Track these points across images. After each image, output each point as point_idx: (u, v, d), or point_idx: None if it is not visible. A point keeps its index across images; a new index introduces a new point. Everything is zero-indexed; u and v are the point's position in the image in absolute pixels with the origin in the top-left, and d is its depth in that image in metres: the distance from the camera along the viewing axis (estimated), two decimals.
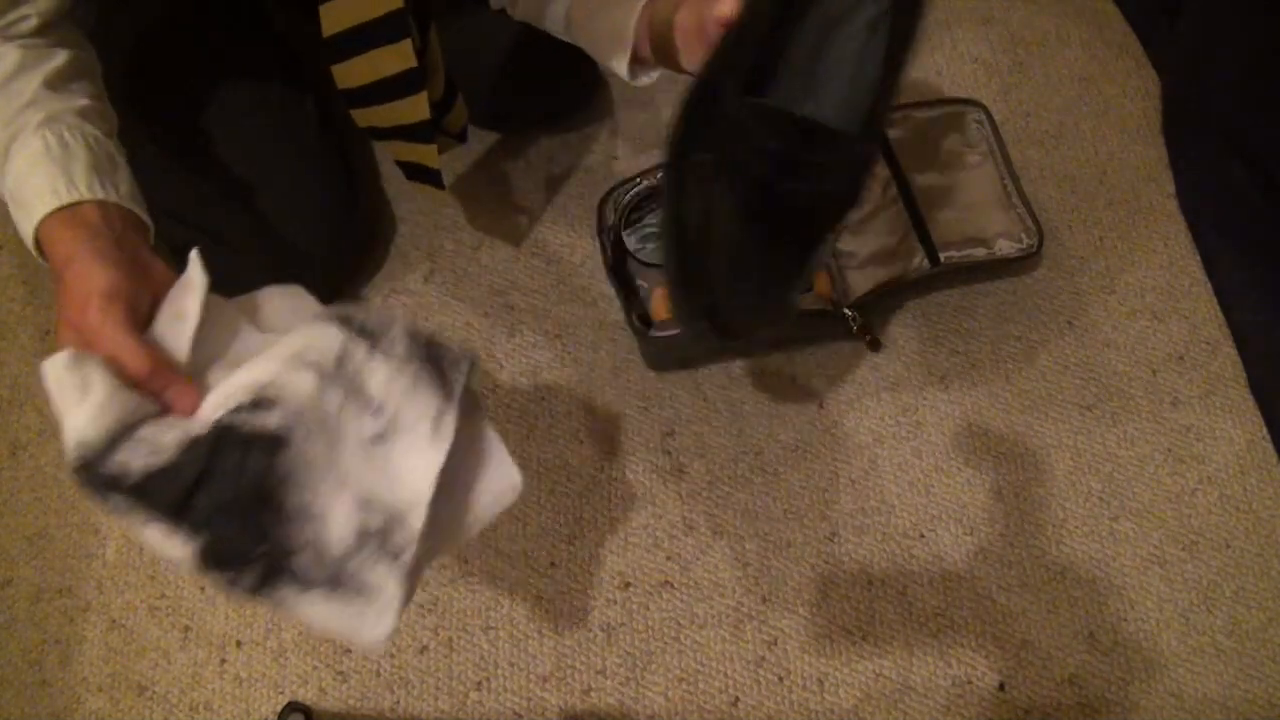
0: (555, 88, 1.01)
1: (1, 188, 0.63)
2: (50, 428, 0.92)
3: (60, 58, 0.64)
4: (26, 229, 0.60)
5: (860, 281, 0.90)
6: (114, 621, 0.85)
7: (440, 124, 0.84)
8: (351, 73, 0.74)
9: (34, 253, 0.60)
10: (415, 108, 0.76)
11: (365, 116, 0.78)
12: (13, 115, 0.62)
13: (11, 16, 0.62)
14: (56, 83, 0.64)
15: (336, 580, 0.50)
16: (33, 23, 0.63)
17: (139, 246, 0.60)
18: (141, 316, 0.55)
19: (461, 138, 0.88)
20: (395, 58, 0.72)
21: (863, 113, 0.54)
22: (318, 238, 0.89)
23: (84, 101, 0.64)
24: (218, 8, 0.88)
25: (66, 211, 0.59)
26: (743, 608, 0.84)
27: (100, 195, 0.60)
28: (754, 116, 0.51)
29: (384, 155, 1.02)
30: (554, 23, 0.76)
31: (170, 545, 0.47)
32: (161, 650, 0.84)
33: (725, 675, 0.82)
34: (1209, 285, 0.96)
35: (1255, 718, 0.80)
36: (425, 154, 0.82)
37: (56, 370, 0.49)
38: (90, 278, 0.54)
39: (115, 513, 0.47)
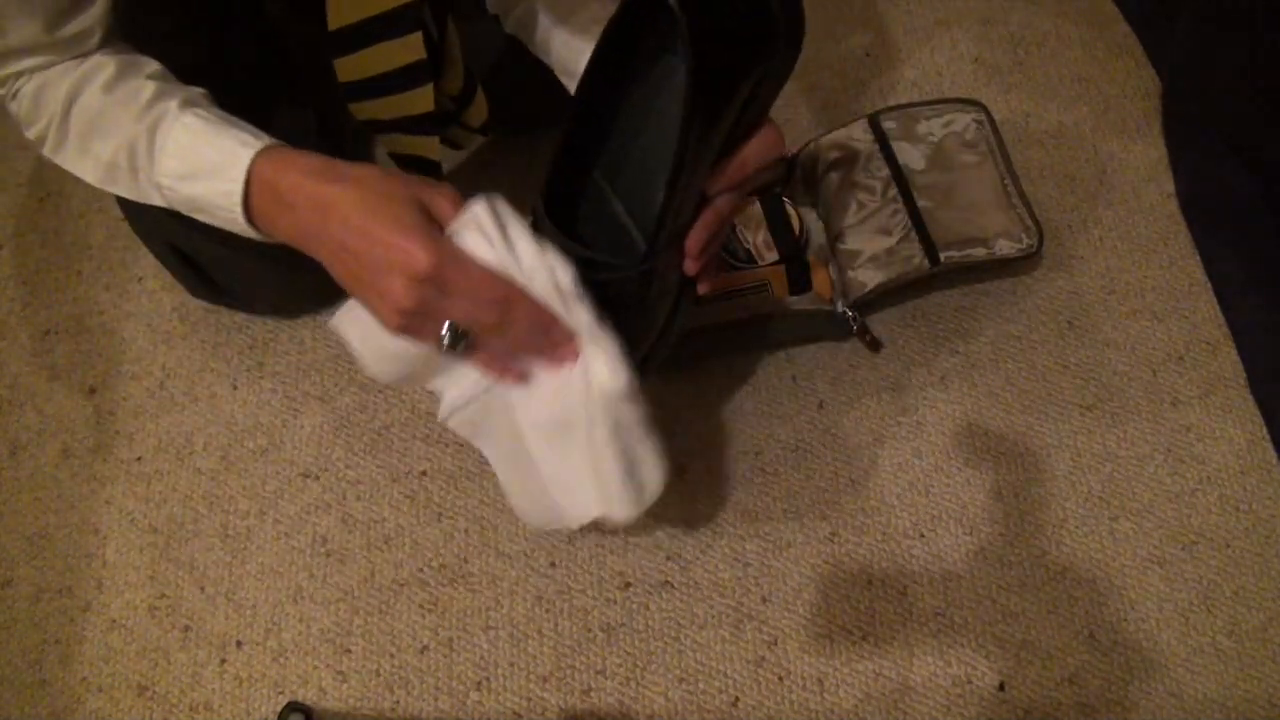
0: (546, 93, 1.00)
1: (154, 177, 0.63)
2: (50, 428, 0.92)
3: (152, 63, 0.66)
4: (222, 186, 0.60)
5: (860, 281, 0.90)
6: (114, 621, 0.85)
7: (459, 118, 0.84)
8: (354, 66, 0.73)
9: (238, 208, 0.60)
10: (420, 100, 0.76)
11: (365, 110, 0.78)
12: (143, 109, 0.62)
13: (74, 27, 0.62)
14: (162, 78, 0.65)
15: None
16: (97, 38, 0.64)
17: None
18: None
19: (484, 132, 0.88)
20: (403, 51, 0.72)
21: (652, 224, 0.60)
22: None
23: (199, 90, 0.66)
24: (215, 10, 0.88)
25: (275, 151, 0.60)
26: (743, 608, 0.84)
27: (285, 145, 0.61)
28: (552, 237, 0.60)
29: (384, 160, 1.02)
30: (540, 50, 0.77)
31: None
32: (161, 650, 0.84)
33: (725, 675, 0.82)
34: (1209, 285, 0.96)
35: (1255, 718, 0.80)
36: (425, 146, 0.82)
37: (483, 211, 0.57)
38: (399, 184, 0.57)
39: None
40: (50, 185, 1.05)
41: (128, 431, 0.92)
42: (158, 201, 0.65)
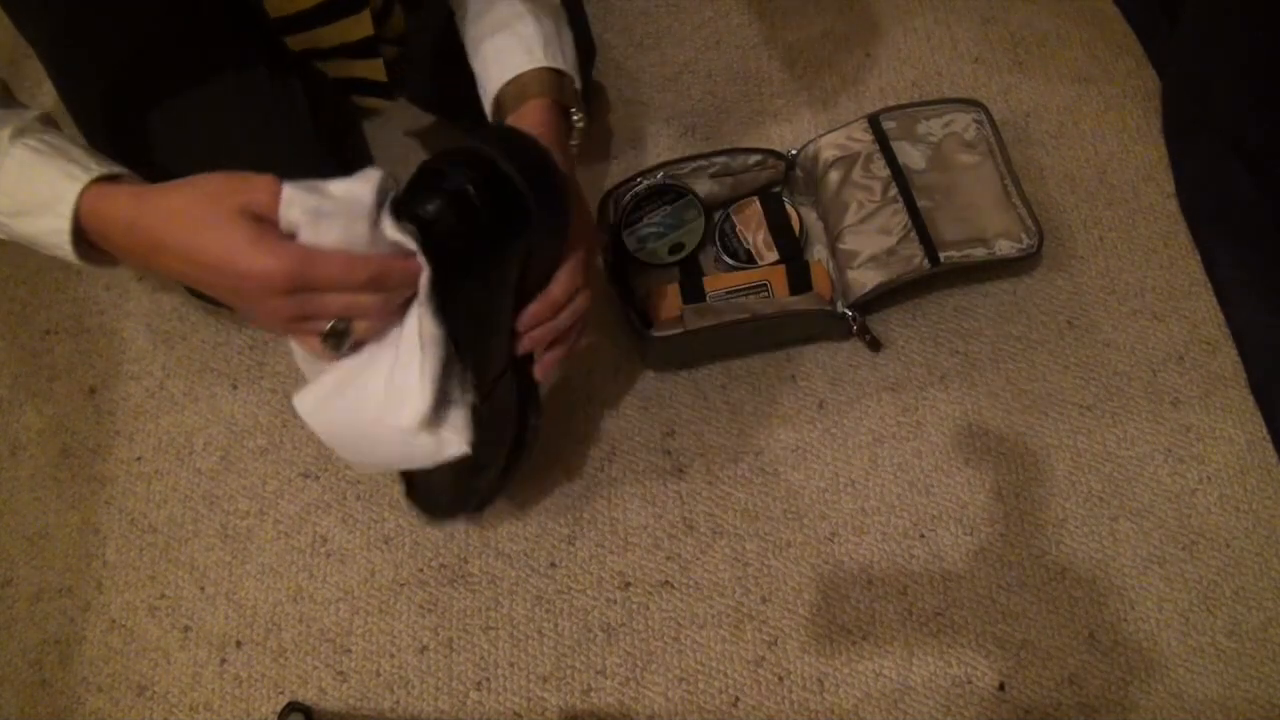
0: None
1: None
2: (50, 428, 0.92)
3: None
4: (51, 224, 0.57)
5: (860, 281, 0.89)
6: (114, 621, 0.85)
7: (381, 34, 0.85)
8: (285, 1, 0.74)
9: (67, 245, 0.58)
10: (358, 26, 0.77)
11: (304, 40, 0.79)
12: None
13: None
14: (6, 102, 0.62)
15: None
16: None
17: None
18: None
19: (401, 42, 0.89)
20: None
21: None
22: None
23: (36, 112, 0.63)
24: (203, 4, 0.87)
25: (104, 184, 0.58)
26: (743, 608, 0.84)
27: (118, 170, 0.59)
28: None
29: (383, 154, 1.02)
30: (461, 32, 0.79)
31: None
32: (161, 650, 0.84)
33: (725, 675, 0.82)
34: (1209, 285, 0.96)
35: (1255, 718, 0.80)
36: (370, 69, 0.82)
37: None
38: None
39: None
40: None
41: (128, 431, 0.92)
42: None
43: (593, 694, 0.81)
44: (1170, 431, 0.90)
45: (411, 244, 0.56)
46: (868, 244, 0.91)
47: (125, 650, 0.84)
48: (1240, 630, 0.82)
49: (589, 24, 1.01)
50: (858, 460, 0.89)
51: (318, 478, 0.89)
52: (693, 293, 0.91)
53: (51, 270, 1.00)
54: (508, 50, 0.73)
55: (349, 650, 0.83)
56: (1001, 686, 0.81)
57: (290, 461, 0.90)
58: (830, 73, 1.08)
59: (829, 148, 0.95)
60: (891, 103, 0.99)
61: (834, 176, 0.94)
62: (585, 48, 1.00)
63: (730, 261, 0.94)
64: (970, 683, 0.81)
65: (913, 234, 0.90)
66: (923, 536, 0.86)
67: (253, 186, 0.56)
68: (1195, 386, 0.91)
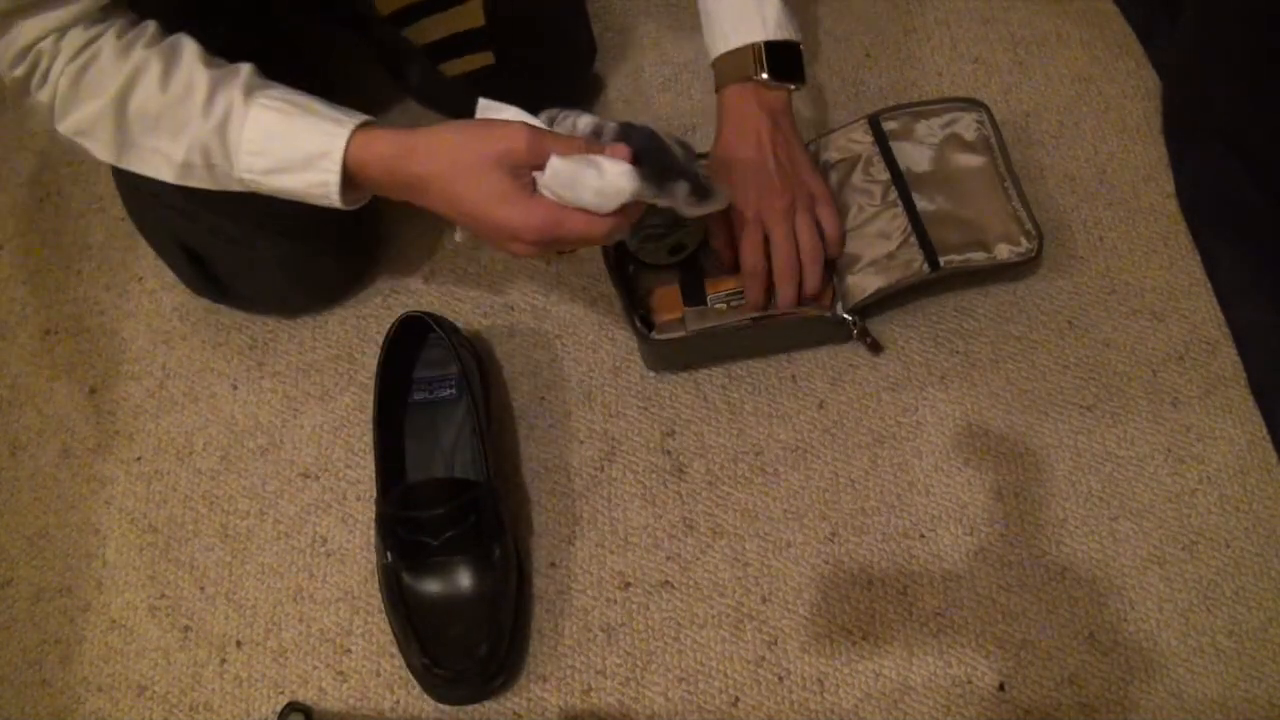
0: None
1: (235, 173, 0.64)
2: (50, 428, 0.92)
3: (187, 42, 0.65)
4: (317, 178, 0.63)
5: (860, 286, 0.89)
6: (114, 621, 0.85)
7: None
8: None
9: (335, 196, 0.64)
10: (468, 16, 0.82)
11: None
12: (204, 105, 0.62)
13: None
14: (206, 61, 0.65)
15: None
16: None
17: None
18: None
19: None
20: None
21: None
22: (327, 232, 0.89)
23: (248, 66, 0.66)
24: (223, 7, 0.87)
25: (362, 133, 0.64)
26: (743, 608, 0.84)
27: (365, 116, 0.65)
28: None
29: None
30: None
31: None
32: (161, 650, 0.84)
33: (725, 675, 0.82)
34: (1209, 285, 0.96)
35: (1255, 718, 0.80)
36: (467, 16, 0.84)
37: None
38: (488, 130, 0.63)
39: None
40: (50, 185, 1.05)
41: (128, 431, 0.92)
42: (237, 189, 0.66)
43: (593, 694, 0.81)
44: (1170, 431, 0.90)
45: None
46: (868, 248, 0.91)
47: (125, 650, 0.84)
48: (1240, 630, 0.82)
49: (589, 24, 1.01)
50: (858, 460, 0.89)
51: (317, 478, 0.89)
52: (694, 294, 0.91)
53: (51, 270, 1.00)
54: (715, 25, 0.83)
55: (349, 650, 0.83)
56: (1001, 686, 0.81)
57: (290, 461, 0.90)
58: (830, 73, 1.08)
59: (828, 149, 0.95)
60: (891, 103, 0.99)
61: (833, 179, 0.94)
62: (585, 47, 1.01)
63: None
64: (970, 683, 0.81)
65: (912, 238, 0.90)
66: (923, 536, 0.86)
67: (508, 135, 0.61)
68: (1195, 386, 0.91)
